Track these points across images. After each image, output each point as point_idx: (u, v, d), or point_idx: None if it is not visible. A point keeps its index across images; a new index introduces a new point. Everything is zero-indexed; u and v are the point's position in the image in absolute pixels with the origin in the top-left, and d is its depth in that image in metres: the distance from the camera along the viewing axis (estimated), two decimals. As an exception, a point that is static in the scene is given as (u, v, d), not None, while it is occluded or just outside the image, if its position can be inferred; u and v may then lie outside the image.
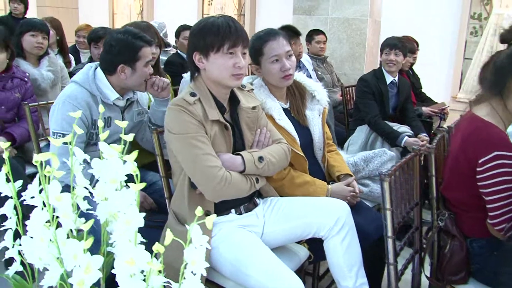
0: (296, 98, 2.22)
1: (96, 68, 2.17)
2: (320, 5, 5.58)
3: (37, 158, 0.89)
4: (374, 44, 5.47)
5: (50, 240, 0.88)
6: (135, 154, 0.92)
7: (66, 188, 2.19)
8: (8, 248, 0.95)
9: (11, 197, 0.94)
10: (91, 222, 0.89)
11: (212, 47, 1.70)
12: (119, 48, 2.06)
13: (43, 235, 0.87)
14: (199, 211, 0.82)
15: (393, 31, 4.60)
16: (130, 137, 0.97)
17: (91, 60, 4.92)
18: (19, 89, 2.82)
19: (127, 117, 2.24)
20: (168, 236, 0.82)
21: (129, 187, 0.89)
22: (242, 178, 1.74)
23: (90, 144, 2.15)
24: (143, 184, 0.88)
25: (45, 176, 0.91)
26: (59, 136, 1.98)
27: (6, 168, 0.95)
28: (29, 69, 3.00)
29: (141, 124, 2.35)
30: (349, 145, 3.45)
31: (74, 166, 0.99)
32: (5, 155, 0.93)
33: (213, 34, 1.69)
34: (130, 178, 0.92)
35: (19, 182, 0.98)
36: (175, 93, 2.90)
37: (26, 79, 2.87)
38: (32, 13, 6.18)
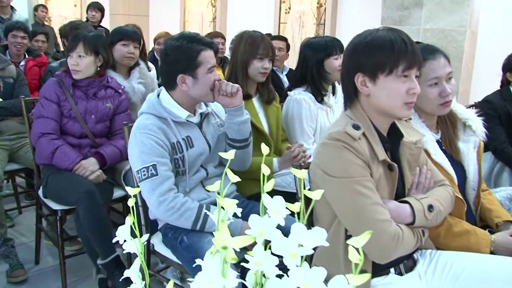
0: (448, 127, 1.85)
1: (159, 94, 1.94)
2: (412, 15, 5.14)
3: (131, 191, 0.82)
4: (470, 57, 4.98)
5: None
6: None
7: (168, 231, 1.80)
8: None
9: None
10: None
11: (383, 68, 1.37)
12: (174, 56, 1.84)
13: None
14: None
15: (491, 44, 4.13)
16: (231, 155, 0.86)
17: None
18: (111, 100, 2.58)
19: (207, 133, 1.99)
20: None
21: None
22: (410, 232, 1.41)
23: (179, 173, 1.89)
24: None
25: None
26: (143, 171, 1.76)
27: (130, 218, 0.80)
28: (119, 81, 2.74)
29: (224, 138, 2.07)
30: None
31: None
32: (130, 202, 0.79)
33: (386, 52, 1.35)
34: None
35: (146, 237, 0.84)
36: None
37: (120, 91, 2.63)
38: (105, 21, 6.07)
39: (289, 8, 6.72)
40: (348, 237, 1.41)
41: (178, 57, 1.84)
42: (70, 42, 2.46)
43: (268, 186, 0.86)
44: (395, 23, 5.26)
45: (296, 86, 2.57)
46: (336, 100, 2.67)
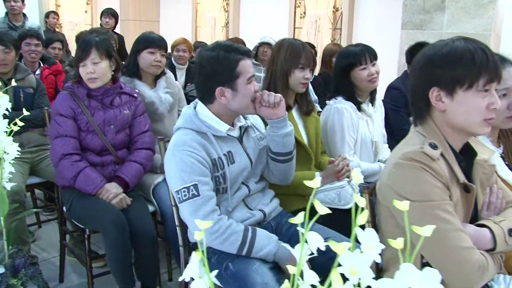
0: (510, 141, 1.73)
1: (195, 107, 1.82)
2: (433, 19, 5.03)
3: (197, 236, 0.71)
4: (495, 62, 4.85)
5: None
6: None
7: (210, 255, 1.64)
8: None
9: None
10: None
11: (462, 82, 1.26)
12: (211, 67, 1.73)
13: None
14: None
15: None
16: (316, 183, 0.72)
17: (187, 76, 4.63)
18: (128, 106, 2.44)
19: (248, 147, 1.87)
20: None
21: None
22: (492, 259, 1.30)
23: (220, 191, 1.77)
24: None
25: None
26: (184, 191, 1.65)
27: (198, 254, 0.71)
28: (145, 91, 2.62)
29: (265, 152, 1.95)
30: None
31: None
32: (198, 236, 0.70)
33: (466, 65, 1.25)
34: None
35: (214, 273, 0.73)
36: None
37: (135, 95, 2.49)
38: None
39: (304, 13, 6.60)
40: (424, 265, 1.30)
41: (216, 69, 1.71)
42: (81, 50, 2.31)
43: (361, 219, 0.75)
44: (415, 27, 5.16)
45: (335, 95, 2.44)
46: (375, 109, 2.55)
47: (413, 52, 3.59)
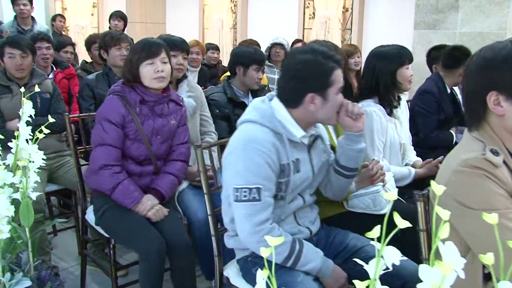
0: None
1: (270, 100, 1.71)
2: (447, 19, 4.97)
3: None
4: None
5: None
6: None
7: (250, 265, 1.58)
8: None
9: None
10: None
11: None
12: (307, 72, 1.62)
13: None
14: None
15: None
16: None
17: (199, 79, 4.56)
18: (175, 115, 2.33)
19: (314, 157, 1.78)
20: None
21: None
22: None
23: (276, 198, 1.68)
24: None
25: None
26: (244, 191, 1.56)
27: (265, 273, 0.70)
28: (167, 95, 2.55)
29: (326, 165, 1.87)
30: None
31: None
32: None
33: None
34: None
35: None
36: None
37: (181, 103, 2.41)
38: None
39: (313, 14, 6.54)
40: (486, 276, 1.24)
41: (311, 74, 1.62)
42: (147, 49, 2.18)
43: (444, 232, 0.71)
44: (428, 27, 5.10)
45: (363, 98, 2.38)
46: (401, 111, 2.50)
47: (435, 53, 3.54)
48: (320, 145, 1.83)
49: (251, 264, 1.69)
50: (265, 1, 6.91)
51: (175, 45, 2.57)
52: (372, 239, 0.72)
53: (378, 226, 0.98)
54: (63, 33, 6.72)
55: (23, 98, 1.96)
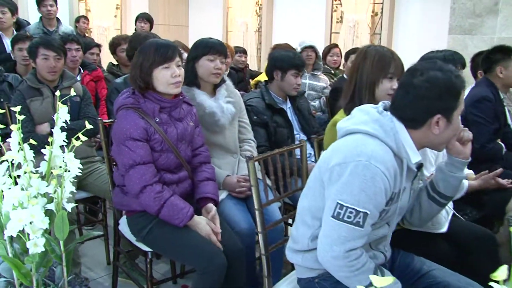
0: None
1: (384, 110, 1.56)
2: (484, 23, 4.78)
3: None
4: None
5: None
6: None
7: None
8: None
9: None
10: None
11: None
12: (439, 91, 1.46)
13: None
14: None
15: None
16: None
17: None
18: (190, 116, 2.22)
19: (414, 187, 1.65)
20: None
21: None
22: None
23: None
24: None
25: None
26: (350, 212, 1.40)
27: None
28: (205, 101, 2.41)
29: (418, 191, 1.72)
30: None
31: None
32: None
33: None
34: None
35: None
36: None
37: (191, 102, 2.29)
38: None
39: (341, 18, 6.37)
40: None
41: (444, 94, 1.46)
42: (163, 53, 2.02)
43: None
44: (464, 31, 4.92)
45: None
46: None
47: (479, 59, 3.36)
48: (419, 173, 1.67)
49: (317, 286, 1.55)
50: (291, 4, 6.76)
51: (212, 48, 2.44)
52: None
53: (505, 266, 0.84)
54: (86, 34, 6.64)
55: (58, 102, 1.82)
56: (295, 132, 2.89)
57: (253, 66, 6.75)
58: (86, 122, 1.87)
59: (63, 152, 1.76)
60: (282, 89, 2.89)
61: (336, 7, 6.42)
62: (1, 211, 1.66)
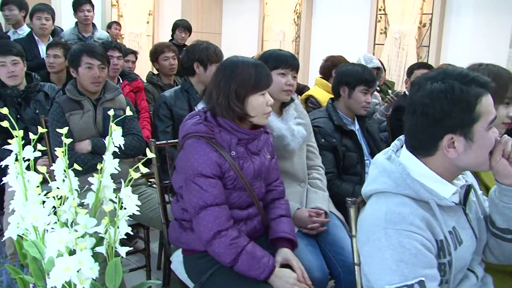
0: None
1: (396, 151, 1.37)
2: (550, 36, 4.41)
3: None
4: None
5: None
6: None
7: None
8: None
9: None
10: None
11: None
12: (441, 107, 1.20)
13: None
14: None
15: None
16: None
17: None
18: (267, 147, 1.89)
19: (472, 218, 1.39)
20: None
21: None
22: None
23: (440, 283, 1.27)
24: None
25: None
26: None
27: None
28: (273, 122, 2.08)
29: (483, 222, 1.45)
30: None
31: None
32: None
33: None
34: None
35: None
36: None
37: (268, 130, 1.96)
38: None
39: (386, 28, 6.02)
40: None
41: (448, 109, 1.20)
42: (267, 78, 1.74)
43: None
44: (526, 46, 4.54)
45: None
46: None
47: None
48: (473, 198, 1.39)
49: None
50: (332, 12, 6.43)
51: (284, 61, 2.13)
52: None
53: None
54: (118, 40, 6.41)
55: (111, 123, 1.50)
56: (365, 158, 2.55)
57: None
58: (148, 152, 1.54)
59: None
60: (350, 107, 2.56)
61: (381, 17, 6.08)
62: (43, 254, 1.34)
